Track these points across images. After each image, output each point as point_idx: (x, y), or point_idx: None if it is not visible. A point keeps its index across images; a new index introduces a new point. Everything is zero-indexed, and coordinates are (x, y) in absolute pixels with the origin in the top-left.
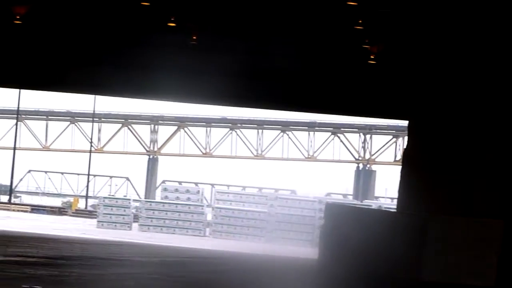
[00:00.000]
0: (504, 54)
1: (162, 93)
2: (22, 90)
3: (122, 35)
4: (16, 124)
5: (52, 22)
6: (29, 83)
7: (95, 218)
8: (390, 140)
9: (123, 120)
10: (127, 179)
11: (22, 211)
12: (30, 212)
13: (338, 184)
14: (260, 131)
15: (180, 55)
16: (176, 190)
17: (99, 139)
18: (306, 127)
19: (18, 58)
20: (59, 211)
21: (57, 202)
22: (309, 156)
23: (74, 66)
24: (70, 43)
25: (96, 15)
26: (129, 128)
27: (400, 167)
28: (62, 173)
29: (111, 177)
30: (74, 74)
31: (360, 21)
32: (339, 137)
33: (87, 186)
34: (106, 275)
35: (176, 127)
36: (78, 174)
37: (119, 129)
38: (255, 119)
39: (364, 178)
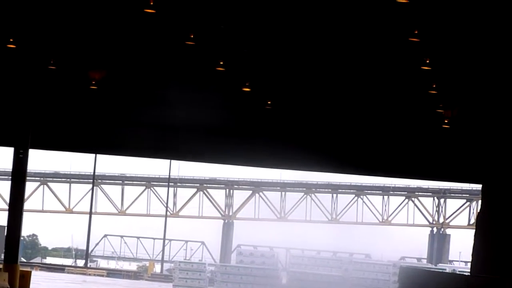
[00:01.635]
0: None
1: (238, 158)
2: (98, 155)
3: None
4: (92, 189)
5: (126, 87)
6: (105, 148)
7: (171, 282)
8: (464, 204)
9: (198, 185)
10: (203, 243)
11: (98, 275)
12: (106, 276)
13: (412, 248)
14: (334, 195)
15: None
16: (251, 254)
17: (174, 204)
18: (381, 191)
19: (93, 123)
20: (134, 275)
21: (132, 267)
22: (384, 220)
23: (149, 131)
24: (144, 109)
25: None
26: (204, 193)
27: (474, 231)
28: (138, 238)
29: (186, 241)
30: (148, 139)
31: (434, 86)
32: (413, 201)
33: (163, 250)
34: None
35: (250, 192)
36: (154, 239)
37: (195, 194)
38: (330, 183)
39: (438, 242)
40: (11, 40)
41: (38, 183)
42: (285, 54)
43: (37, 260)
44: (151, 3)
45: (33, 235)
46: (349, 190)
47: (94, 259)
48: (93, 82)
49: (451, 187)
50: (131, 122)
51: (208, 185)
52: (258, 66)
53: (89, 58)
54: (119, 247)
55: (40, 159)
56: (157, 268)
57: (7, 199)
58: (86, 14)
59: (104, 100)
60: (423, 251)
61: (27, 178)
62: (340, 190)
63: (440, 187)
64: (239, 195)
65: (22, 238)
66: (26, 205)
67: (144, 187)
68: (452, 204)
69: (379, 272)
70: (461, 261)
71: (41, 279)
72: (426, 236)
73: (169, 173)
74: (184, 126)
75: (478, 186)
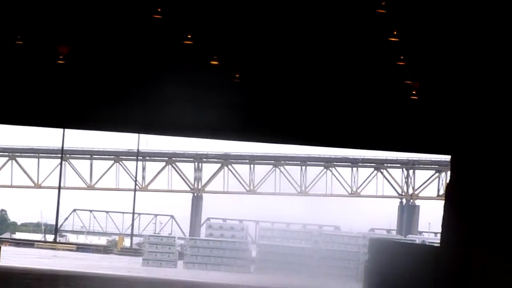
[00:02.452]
0: None
1: (206, 131)
2: (66, 130)
3: (162, 73)
4: (61, 164)
5: (94, 62)
6: (73, 123)
7: (141, 256)
8: (433, 175)
9: (167, 159)
10: (172, 217)
11: (68, 250)
12: (76, 251)
13: (382, 220)
14: (303, 167)
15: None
16: (221, 227)
17: (143, 178)
18: (350, 163)
19: (62, 98)
20: (104, 249)
21: (102, 241)
22: (353, 192)
23: (118, 105)
24: (111, 82)
25: (135, 56)
26: (173, 166)
27: (443, 202)
28: (107, 212)
29: (156, 215)
30: (117, 113)
31: (402, 57)
32: (382, 172)
33: (132, 225)
34: None
35: (219, 165)
36: (123, 213)
37: (163, 168)
38: (299, 155)
39: (408, 213)
40: None
41: (7, 158)
42: (250, 25)
43: (6, 235)
44: None
45: (2, 210)
46: (318, 163)
47: (64, 234)
48: (61, 57)
49: (420, 159)
50: (99, 97)
51: (177, 159)
52: (226, 38)
53: (56, 32)
54: (88, 222)
55: (8, 134)
56: (127, 242)
57: None
58: None
59: (71, 75)
60: (392, 223)
61: None
62: (309, 163)
63: (409, 159)
64: (208, 169)
65: None
66: None
67: (112, 161)
68: (421, 176)
69: (349, 244)
70: (431, 232)
71: (11, 254)
72: (396, 207)
73: (138, 147)
74: (152, 99)
75: (447, 157)
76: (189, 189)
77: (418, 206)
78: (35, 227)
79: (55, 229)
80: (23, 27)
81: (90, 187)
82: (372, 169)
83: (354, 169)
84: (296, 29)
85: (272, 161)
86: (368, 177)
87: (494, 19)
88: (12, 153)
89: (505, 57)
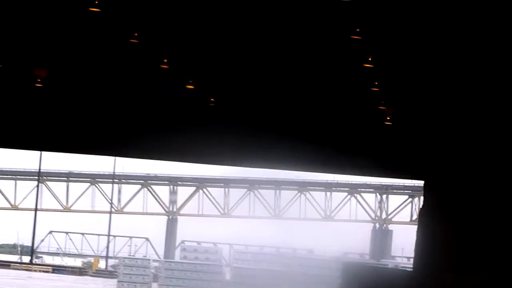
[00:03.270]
0: None
1: (182, 155)
2: (43, 152)
3: (140, 97)
4: (38, 186)
5: (71, 85)
6: (50, 146)
7: (116, 278)
8: (406, 200)
9: (142, 181)
10: (147, 239)
11: (43, 271)
12: (52, 272)
13: (355, 244)
14: (277, 191)
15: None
16: (195, 250)
17: (119, 200)
18: (323, 188)
19: (39, 121)
20: (80, 271)
21: (78, 263)
22: (326, 216)
23: (94, 128)
24: (89, 106)
25: (113, 81)
26: (148, 189)
27: (416, 227)
28: (83, 234)
29: (131, 237)
30: (94, 136)
31: (376, 83)
32: (355, 197)
33: (107, 247)
34: None
35: (194, 188)
36: (99, 235)
37: (139, 190)
38: (273, 179)
39: (381, 237)
40: None
41: None
42: (230, 53)
43: None
44: (96, 2)
45: None
46: (292, 186)
47: (40, 255)
48: (38, 80)
49: (393, 183)
50: (76, 119)
51: (152, 182)
52: (201, 63)
53: (34, 56)
54: (64, 244)
55: None
56: (102, 264)
57: None
58: (31, 13)
59: (49, 98)
60: (366, 247)
61: None
62: (283, 186)
63: (382, 183)
64: (183, 191)
65: None
66: None
67: (89, 184)
68: (395, 200)
69: (323, 267)
70: (404, 257)
71: None
72: (369, 232)
73: (114, 170)
74: (129, 123)
75: (420, 182)
76: (164, 211)
77: (391, 230)
78: (11, 249)
79: (31, 251)
80: (1, 52)
81: (67, 209)
82: (346, 193)
83: (328, 193)
84: (271, 53)
85: (247, 185)
86: (341, 202)
87: (464, 50)
88: None
89: (475, 86)
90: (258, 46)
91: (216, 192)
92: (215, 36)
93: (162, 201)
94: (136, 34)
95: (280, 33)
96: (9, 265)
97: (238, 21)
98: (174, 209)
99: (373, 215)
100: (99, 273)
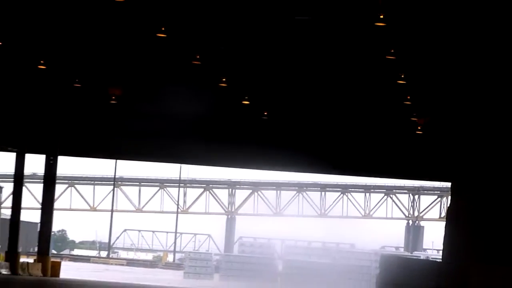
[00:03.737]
0: None
1: (238, 162)
2: (118, 161)
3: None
4: (113, 190)
5: (138, 101)
6: (123, 154)
7: (182, 270)
8: (436, 199)
9: (205, 185)
10: (209, 236)
11: (119, 264)
12: (126, 265)
13: (391, 238)
14: (323, 193)
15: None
16: (251, 245)
17: (184, 202)
18: (363, 189)
19: (113, 133)
20: (150, 264)
21: (149, 257)
22: (365, 214)
23: (162, 139)
24: (154, 121)
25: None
26: (210, 192)
27: (444, 223)
28: (153, 231)
29: (195, 234)
30: (161, 147)
31: (409, 97)
32: (391, 197)
33: (175, 243)
34: None
35: (250, 191)
36: (167, 232)
37: (202, 193)
38: (319, 183)
39: (414, 232)
40: (41, 62)
41: (67, 185)
42: (281, 75)
43: (66, 252)
44: (163, 29)
45: (62, 230)
46: (335, 189)
47: (115, 250)
48: (113, 97)
49: (424, 185)
50: (145, 132)
51: (213, 186)
52: (256, 82)
53: (109, 76)
54: (137, 240)
55: (68, 165)
56: (170, 258)
57: (40, 199)
58: (107, 39)
59: (122, 113)
60: (400, 241)
61: (57, 181)
62: (328, 189)
63: (415, 185)
64: (240, 194)
65: (52, 233)
66: (56, 205)
67: (158, 188)
68: (425, 200)
69: (363, 259)
70: (434, 249)
71: (70, 269)
72: (403, 228)
73: (180, 175)
74: (188, 135)
75: (448, 184)
76: (224, 211)
77: (423, 226)
78: (91, 245)
79: (108, 247)
80: (80, 71)
81: (139, 210)
82: (383, 194)
83: (367, 194)
84: (317, 75)
85: (296, 188)
86: (379, 202)
87: (484, 62)
88: (71, 180)
89: (497, 98)
90: (306, 69)
91: (269, 194)
92: (270, 62)
93: (222, 202)
94: (198, 57)
95: (325, 56)
96: (89, 259)
97: (289, 48)
98: (233, 209)
99: (406, 213)
100: (168, 266)
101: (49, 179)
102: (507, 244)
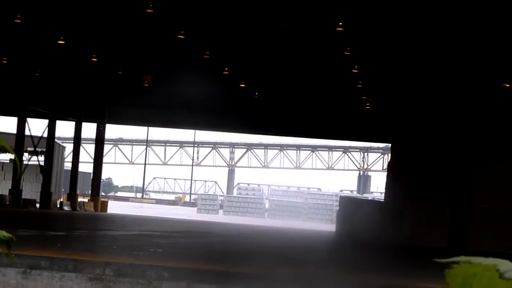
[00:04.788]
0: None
1: (237, 128)
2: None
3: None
4: (146, 149)
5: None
6: (154, 122)
7: (196, 207)
8: (380, 156)
9: (212, 145)
10: (216, 182)
11: (150, 203)
12: (155, 203)
13: (347, 184)
14: (298, 151)
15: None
16: (246, 189)
17: (197, 157)
18: (327, 149)
19: (147, 108)
20: (173, 202)
21: (172, 197)
22: (329, 167)
23: (180, 111)
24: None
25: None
26: (216, 151)
27: (386, 173)
28: (175, 179)
29: (205, 181)
30: (181, 117)
31: (360, 82)
32: (347, 154)
33: (190, 187)
34: (201, 243)
35: (246, 149)
36: (185, 180)
37: (210, 151)
38: (295, 144)
39: (364, 180)
40: (94, 56)
41: (112, 145)
42: (275, 67)
43: (111, 194)
44: (182, 31)
45: (109, 178)
46: (307, 148)
47: (147, 192)
48: (146, 81)
49: (372, 146)
50: (170, 105)
51: (219, 146)
52: (264, 75)
53: (141, 61)
54: (163, 185)
55: (113, 130)
56: (187, 198)
57: (92, 156)
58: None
59: (153, 92)
60: (354, 187)
61: (105, 142)
62: (302, 148)
63: (365, 146)
64: (238, 152)
65: (102, 180)
66: (104, 159)
67: (178, 147)
68: (372, 156)
69: (327, 200)
70: (378, 192)
71: (114, 206)
72: (356, 177)
73: (194, 138)
74: (199, 107)
75: (389, 145)
76: (226, 165)
77: (370, 176)
78: (129, 189)
79: (142, 190)
80: (123, 60)
81: (164, 163)
82: (341, 152)
83: (330, 152)
84: (295, 71)
85: (279, 147)
86: (338, 157)
87: (436, 55)
88: (116, 142)
89: (424, 84)
90: (284, 58)
91: (259, 152)
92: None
93: (225, 158)
94: (207, 52)
95: (297, 52)
96: (128, 199)
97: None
98: (233, 163)
99: (358, 166)
100: (185, 204)
101: (99, 141)
102: (429, 188)
